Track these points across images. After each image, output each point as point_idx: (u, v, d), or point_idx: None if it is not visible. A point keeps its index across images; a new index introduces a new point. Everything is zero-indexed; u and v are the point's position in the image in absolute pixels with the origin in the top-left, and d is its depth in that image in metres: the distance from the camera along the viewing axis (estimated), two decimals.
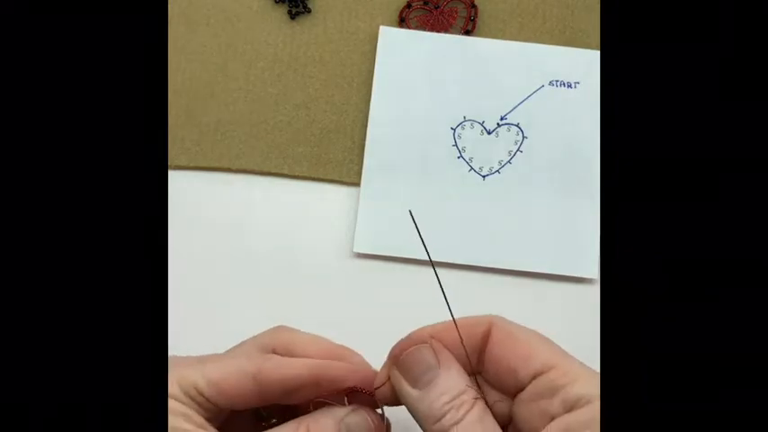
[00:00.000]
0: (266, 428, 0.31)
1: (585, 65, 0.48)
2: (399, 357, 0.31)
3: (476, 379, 0.31)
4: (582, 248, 0.46)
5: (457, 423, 0.28)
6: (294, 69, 0.48)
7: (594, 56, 0.48)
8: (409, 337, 0.31)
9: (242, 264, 0.46)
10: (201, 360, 0.31)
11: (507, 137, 0.47)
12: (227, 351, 0.34)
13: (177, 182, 0.47)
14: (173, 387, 0.30)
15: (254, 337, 0.34)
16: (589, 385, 0.27)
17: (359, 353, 0.35)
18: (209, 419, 0.30)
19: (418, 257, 0.46)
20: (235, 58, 0.48)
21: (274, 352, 0.33)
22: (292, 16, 0.49)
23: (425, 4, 0.49)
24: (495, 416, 0.30)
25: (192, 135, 0.47)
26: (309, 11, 0.49)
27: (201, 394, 0.30)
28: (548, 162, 0.47)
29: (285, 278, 0.46)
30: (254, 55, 0.48)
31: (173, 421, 0.29)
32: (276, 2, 0.49)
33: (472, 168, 0.47)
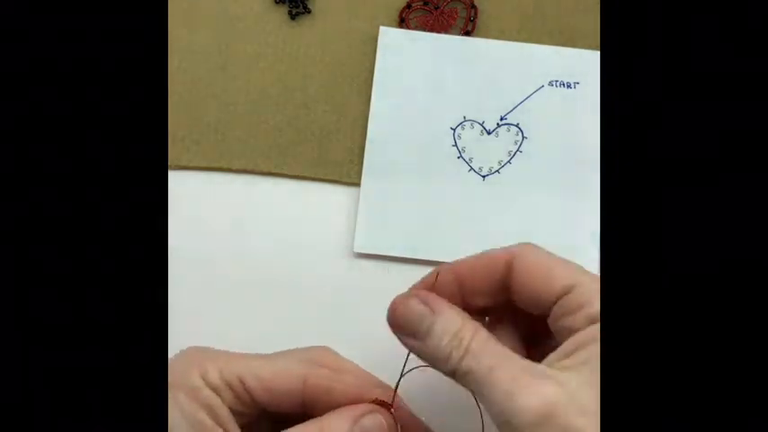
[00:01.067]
0: None
1: (585, 65, 0.48)
2: (393, 316, 0.31)
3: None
4: (582, 248, 0.46)
5: (463, 357, 0.29)
6: (294, 69, 0.48)
7: (594, 56, 0.48)
8: (413, 287, 0.33)
9: (242, 264, 0.46)
10: (245, 356, 0.31)
11: (507, 137, 0.47)
12: (269, 355, 0.33)
13: (177, 182, 0.47)
14: (212, 374, 0.30)
15: (300, 349, 0.34)
16: None
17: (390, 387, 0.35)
18: (238, 415, 0.30)
19: (418, 257, 0.46)
20: (235, 58, 0.48)
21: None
22: (292, 17, 0.49)
23: (425, 4, 0.49)
24: (522, 339, 0.32)
25: (192, 135, 0.47)
26: (309, 11, 0.49)
27: (245, 388, 0.30)
28: (547, 162, 0.47)
29: (285, 278, 0.46)
30: (254, 55, 0.48)
31: (196, 411, 0.29)
32: (276, 2, 0.49)
33: (472, 168, 0.47)
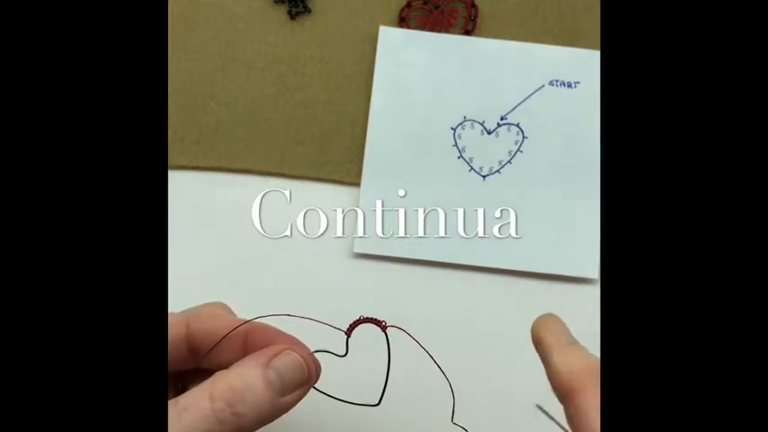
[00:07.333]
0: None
1: (585, 65, 0.48)
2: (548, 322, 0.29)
3: None
4: (582, 248, 0.46)
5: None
6: (294, 69, 0.48)
7: (594, 56, 0.48)
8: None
9: (242, 264, 0.46)
10: None
11: (507, 137, 0.47)
12: None
13: (177, 182, 0.47)
14: None
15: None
16: None
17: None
18: None
19: (418, 257, 0.46)
20: (235, 58, 0.48)
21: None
22: (292, 16, 0.49)
23: (425, 3, 0.49)
24: None
25: (192, 135, 0.47)
26: (309, 11, 0.49)
27: None
28: (548, 162, 0.47)
29: (285, 278, 0.46)
30: (254, 55, 0.48)
31: None
32: (276, 2, 0.49)
33: (472, 168, 0.47)
